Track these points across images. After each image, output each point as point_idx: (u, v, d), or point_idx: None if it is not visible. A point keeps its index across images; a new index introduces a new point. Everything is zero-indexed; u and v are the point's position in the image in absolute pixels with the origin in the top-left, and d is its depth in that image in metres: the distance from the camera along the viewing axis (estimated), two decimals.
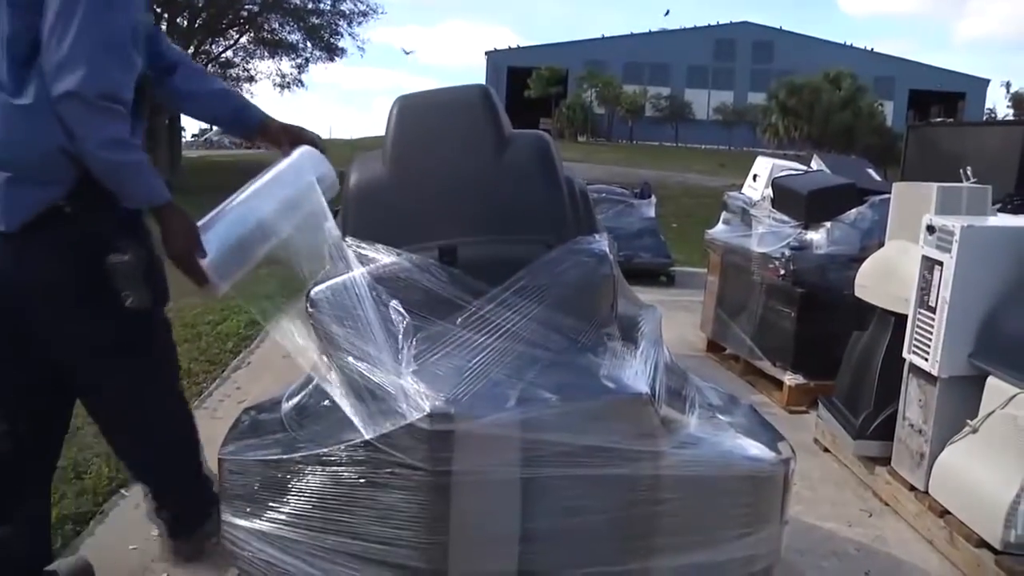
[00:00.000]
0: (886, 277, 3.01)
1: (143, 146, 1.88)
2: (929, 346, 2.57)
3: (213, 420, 3.09)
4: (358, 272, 1.70)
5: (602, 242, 1.79)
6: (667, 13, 76.58)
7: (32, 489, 1.97)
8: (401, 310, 1.64)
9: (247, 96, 2.38)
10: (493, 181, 1.83)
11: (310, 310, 1.70)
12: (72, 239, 1.78)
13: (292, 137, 2.12)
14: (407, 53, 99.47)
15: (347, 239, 1.77)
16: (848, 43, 44.31)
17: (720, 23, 44.86)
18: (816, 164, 4.81)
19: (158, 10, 16.59)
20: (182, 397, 2.27)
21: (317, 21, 23.47)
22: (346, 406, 1.63)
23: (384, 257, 1.70)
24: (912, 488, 2.69)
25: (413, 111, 1.94)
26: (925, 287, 2.60)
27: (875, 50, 44.58)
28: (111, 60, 1.70)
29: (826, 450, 3.29)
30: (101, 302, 1.80)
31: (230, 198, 1.96)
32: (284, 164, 2.01)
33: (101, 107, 1.67)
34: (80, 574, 2.10)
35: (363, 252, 1.72)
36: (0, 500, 1.88)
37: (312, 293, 1.71)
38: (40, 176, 1.75)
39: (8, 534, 1.89)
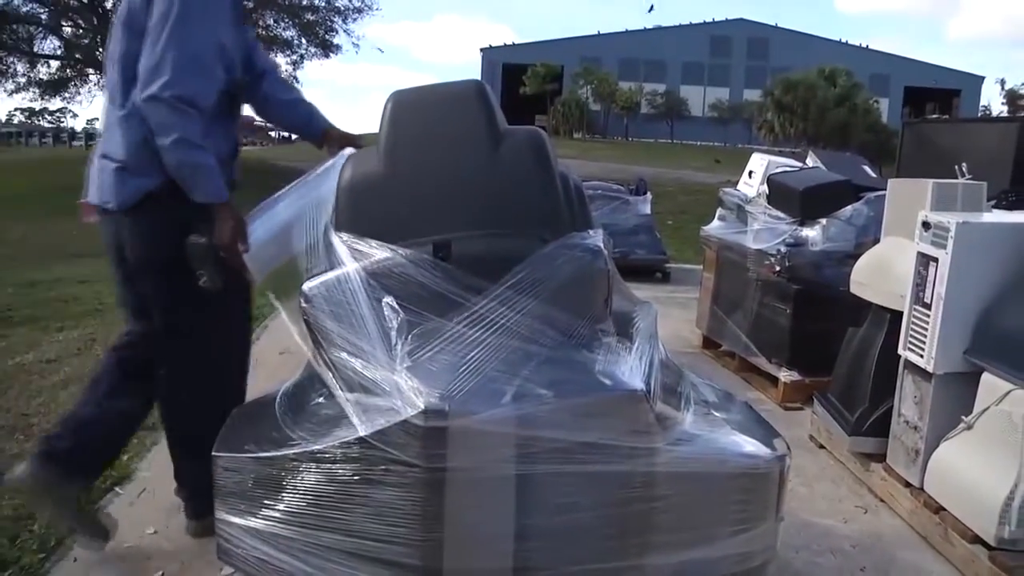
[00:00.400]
0: (881, 273, 3.01)
1: (238, 141, 2.25)
2: (924, 342, 2.56)
3: None
4: (352, 267, 1.69)
5: (597, 237, 1.78)
6: (651, 9, 77.37)
7: (144, 387, 2.23)
8: (395, 306, 1.64)
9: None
10: (488, 176, 1.82)
11: (304, 305, 1.69)
12: (164, 223, 2.03)
13: (345, 142, 2.39)
14: (380, 51, 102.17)
15: (341, 234, 1.76)
16: (843, 40, 44.51)
17: (716, 20, 44.97)
18: (812, 161, 4.80)
19: None
20: (239, 387, 2.32)
21: (312, 18, 23.39)
22: (340, 402, 1.63)
23: (378, 252, 1.70)
24: (907, 484, 2.69)
25: (408, 106, 1.94)
26: (920, 283, 2.60)
27: (870, 47, 44.78)
28: (192, 69, 1.95)
29: (822, 447, 3.29)
30: (182, 282, 2.02)
31: (274, 196, 2.17)
32: (325, 166, 2.24)
33: (178, 109, 1.92)
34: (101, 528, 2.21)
35: (357, 247, 1.72)
36: (119, 384, 2.20)
37: (306, 288, 1.70)
38: (139, 169, 2.03)
39: (112, 413, 2.17)
